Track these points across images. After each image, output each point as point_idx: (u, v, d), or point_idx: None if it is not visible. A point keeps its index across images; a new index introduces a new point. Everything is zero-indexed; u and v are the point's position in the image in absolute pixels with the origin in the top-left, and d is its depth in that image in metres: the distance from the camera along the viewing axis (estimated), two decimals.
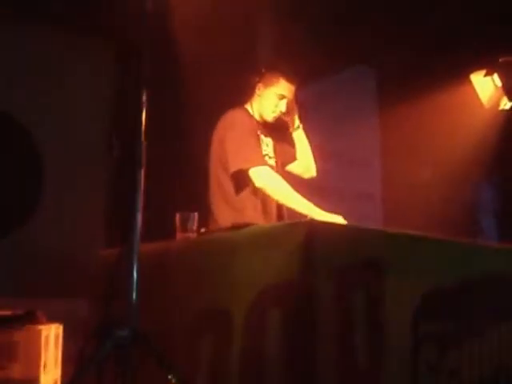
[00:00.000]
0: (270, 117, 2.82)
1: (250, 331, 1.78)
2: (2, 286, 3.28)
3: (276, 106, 2.79)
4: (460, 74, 2.99)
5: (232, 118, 2.75)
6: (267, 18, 4.21)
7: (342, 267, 1.69)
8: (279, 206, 2.76)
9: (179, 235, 2.21)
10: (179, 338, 2.00)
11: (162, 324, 2.00)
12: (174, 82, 3.97)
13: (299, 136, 3.01)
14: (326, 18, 4.11)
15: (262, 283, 1.76)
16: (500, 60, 2.61)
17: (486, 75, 2.69)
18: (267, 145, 2.84)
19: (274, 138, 2.91)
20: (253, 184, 2.62)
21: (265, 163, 2.66)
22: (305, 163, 3.04)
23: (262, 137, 2.81)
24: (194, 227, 2.21)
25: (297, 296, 1.67)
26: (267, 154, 2.80)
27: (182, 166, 3.97)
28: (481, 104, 2.80)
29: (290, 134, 3.01)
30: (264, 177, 2.61)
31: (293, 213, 2.65)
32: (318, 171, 3.10)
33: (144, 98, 1.83)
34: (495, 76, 2.67)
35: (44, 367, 2.58)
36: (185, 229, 2.20)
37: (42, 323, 2.66)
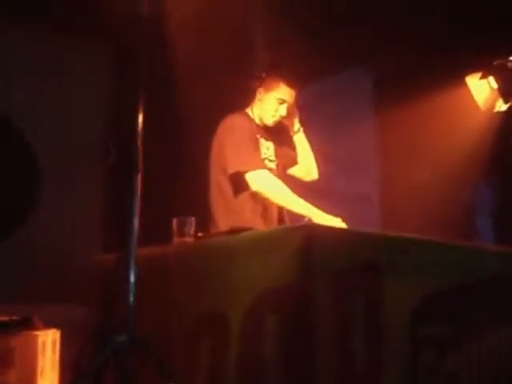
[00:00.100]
0: (270, 121, 2.84)
1: (248, 335, 1.77)
2: None
3: (276, 110, 2.81)
4: (457, 75, 3.00)
5: (231, 122, 2.77)
6: (264, 20, 4.22)
7: (341, 271, 1.68)
8: (280, 210, 2.76)
9: (176, 240, 2.21)
10: (177, 342, 1.99)
11: (159, 329, 2.00)
12: (172, 85, 3.97)
13: (300, 139, 3.03)
14: (323, 18, 4.11)
15: (261, 287, 1.76)
16: (495, 63, 2.62)
17: (481, 78, 2.70)
18: (268, 148, 2.86)
19: (275, 142, 2.94)
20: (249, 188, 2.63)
21: (263, 167, 2.67)
22: (306, 166, 3.05)
23: (263, 140, 2.83)
24: (192, 232, 2.21)
25: (295, 300, 1.67)
26: (267, 158, 2.82)
27: (182, 170, 3.97)
28: (477, 106, 2.81)
29: (291, 138, 3.03)
30: (262, 180, 2.61)
31: (294, 217, 2.65)
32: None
33: (140, 101, 1.82)
34: (491, 78, 2.67)
35: (41, 373, 2.57)
36: (182, 233, 2.20)
37: (38, 329, 2.65)
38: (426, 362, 1.80)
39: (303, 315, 1.65)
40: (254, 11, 4.11)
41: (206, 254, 2.05)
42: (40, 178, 3.93)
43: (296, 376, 1.63)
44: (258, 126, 2.85)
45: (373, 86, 5.43)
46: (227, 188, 2.70)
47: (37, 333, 2.58)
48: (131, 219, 1.76)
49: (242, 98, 2.95)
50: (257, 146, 2.75)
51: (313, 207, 2.59)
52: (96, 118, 4.22)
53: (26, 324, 2.62)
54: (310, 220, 2.52)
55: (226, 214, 2.71)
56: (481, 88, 2.78)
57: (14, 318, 2.64)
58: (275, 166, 2.88)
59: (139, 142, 1.80)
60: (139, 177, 1.78)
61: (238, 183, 2.67)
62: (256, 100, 2.86)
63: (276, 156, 2.90)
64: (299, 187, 2.93)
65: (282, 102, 2.80)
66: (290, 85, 2.80)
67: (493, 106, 2.78)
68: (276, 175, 2.83)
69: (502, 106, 2.69)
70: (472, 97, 2.78)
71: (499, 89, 2.66)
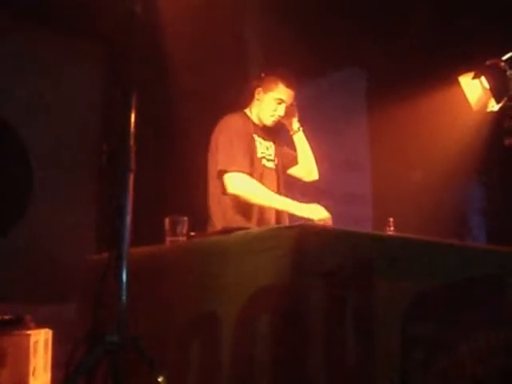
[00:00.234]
0: (268, 121, 2.86)
1: (241, 335, 1.77)
2: None
3: (274, 110, 2.83)
4: (449, 75, 3.01)
5: (225, 122, 2.79)
6: (258, 20, 4.22)
7: (333, 270, 1.69)
8: (278, 212, 2.77)
9: (169, 239, 2.21)
10: (170, 342, 1.99)
11: (152, 328, 1.99)
12: (166, 85, 3.96)
13: (300, 139, 3.04)
14: (317, 19, 4.12)
15: (253, 287, 1.76)
16: (487, 63, 2.63)
17: (473, 78, 2.71)
18: (267, 148, 2.88)
19: (275, 142, 2.94)
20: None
21: (251, 167, 2.67)
22: (306, 167, 3.07)
23: (260, 140, 2.85)
24: (184, 231, 2.21)
25: (288, 299, 1.67)
26: (264, 157, 2.83)
27: (175, 170, 3.97)
28: (469, 106, 2.82)
29: (291, 138, 3.04)
30: (239, 183, 2.63)
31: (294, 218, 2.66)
32: None
33: (133, 101, 1.82)
34: (483, 78, 2.68)
35: (33, 372, 2.57)
36: (174, 233, 2.20)
37: (30, 328, 2.65)
38: (416, 361, 1.81)
39: (295, 314, 1.65)
40: (248, 12, 4.11)
41: (199, 253, 2.05)
42: (33, 178, 3.92)
43: (288, 374, 1.64)
44: (256, 125, 2.87)
45: (366, 86, 5.45)
46: (221, 188, 2.71)
47: (29, 332, 2.58)
48: (124, 219, 1.75)
49: (238, 98, 2.96)
50: (249, 146, 2.75)
51: (291, 201, 2.63)
52: (88, 121, 4.21)
53: (18, 324, 2.62)
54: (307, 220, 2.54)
55: (222, 214, 2.72)
56: (473, 88, 2.79)
57: (6, 317, 2.64)
58: (274, 165, 2.90)
59: (132, 142, 1.80)
60: (132, 176, 1.78)
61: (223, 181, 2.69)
62: (255, 100, 2.88)
63: (276, 155, 2.92)
64: (291, 186, 2.94)
65: (281, 102, 2.82)
66: (289, 85, 2.81)
67: (485, 106, 2.78)
68: (274, 175, 2.85)
69: (494, 106, 2.69)
70: (463, 97, 2.79)
71: (491, 89, 2.66)
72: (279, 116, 2.85)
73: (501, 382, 1.99)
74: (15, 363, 2.49)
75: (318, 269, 1.67)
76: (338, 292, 1.69)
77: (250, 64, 4.10)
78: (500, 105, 2.63)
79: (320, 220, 2.53)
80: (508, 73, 2.58)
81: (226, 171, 2.63)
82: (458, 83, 2.84)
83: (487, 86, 2.70)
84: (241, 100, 2.95)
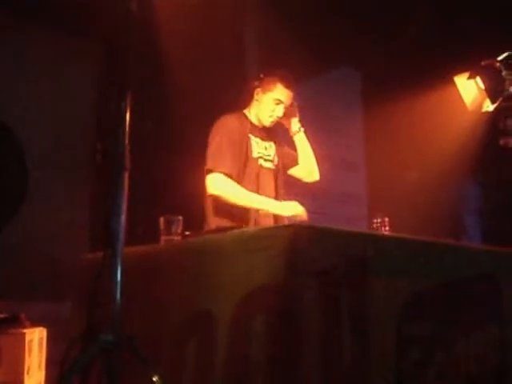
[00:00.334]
0: (267, 121, 2.86)
1: (236, 334, 1.77)
2: None
3: (273, 110, 2.83)
4: (444, 76, 3.02)
5: (221, 122, 2.80)
6: (255, 20, 4.22)
7: (327, 269, 1.69)
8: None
9: (164, 238, 2.21)
10: (164, 341, 1.99)
11: (147, 327, 1.99)
12: (162, 84, 3.96)
13: (301, 140, 3.04)
14: (313, 18, 4.12)
15: (249, 286, 1.76)
16: (483, 63, 2.63)
17: (469, 78, 2.71)
18: (265, 148, 2.88)
19: (276, 141, 2.95)
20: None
21: (234, 171, 2.66)
22: (307, 167, 3.06)
23: (258, 140, 2.85)
24: (179, 230, 2.21)
25: (282, 298, 1.67)
26: (262, 157, 2.83)
27: (171, 169, 3.96)
28: (465, 106, 2.83)
29: (291, 138, 3.04)
30: (219, 184, 2.64)
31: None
32: None
33: (128, 100, 1.82)
34: (478, 79, 2.69)
35: (28, 371, 2.56)
36: (169, 232, 2.19)
37: (25, 327, 2.65)
38: (412, 360, 1.81)
39: (290, 313, 1.65)
40: (247, 12, 4.11)
41: (194, 252, 2.05)
42: (28, 177, 3.91)
43: (283, 374, 1.64)
44: (255, 126, 2.87)
45: (362, 86, 5.46)
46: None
47: (23, 331, 2.57)
48: (118, 218, 1.75)
49: (236, 98, 2.97)
50: (241, 147, 2.75)
51: (272, 200, 2.65)
52: (86, 118, 4.21)
53: (13, 322, 2.61)
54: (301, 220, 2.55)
55: (217, 214, 2.72)
56: (468, 88, 2.80)
57: (1, 316, 2.63)
58: (273, 165, 2.90)
59: (127, 141, 1.79)
60: (127, 175, 1.78)
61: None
62: (254, 100, 2.88)
63: (276, 156, 2.92)
64: (288, 185, 2.94)
65: (279, 102, 2.82)
66: (287, 86, 2.81)
67: (480, 106, 2.79)
68: (272, 174, 2.85)
69: (489, 107, 2.70)
70: (459, 97, 2.80)
71: (487, 89, 2.67)
72: (277, 117, 2.85)
73: (495, 380, 2.00)
74: (10, 361, 2.48)
75: (312, 268, 1.67)
76: (332, 291, 1.69)
77: (249, 64, 4.10)
78: (495, 105, 2.64)
79: (294, 216, 2.55)
80: (503, 73, 2.58)
81: (211, 171, 2.64)
82: (454, 83, 2.85)
83: (482, 86, 2.71)
84: (240, 100, 2.95)
